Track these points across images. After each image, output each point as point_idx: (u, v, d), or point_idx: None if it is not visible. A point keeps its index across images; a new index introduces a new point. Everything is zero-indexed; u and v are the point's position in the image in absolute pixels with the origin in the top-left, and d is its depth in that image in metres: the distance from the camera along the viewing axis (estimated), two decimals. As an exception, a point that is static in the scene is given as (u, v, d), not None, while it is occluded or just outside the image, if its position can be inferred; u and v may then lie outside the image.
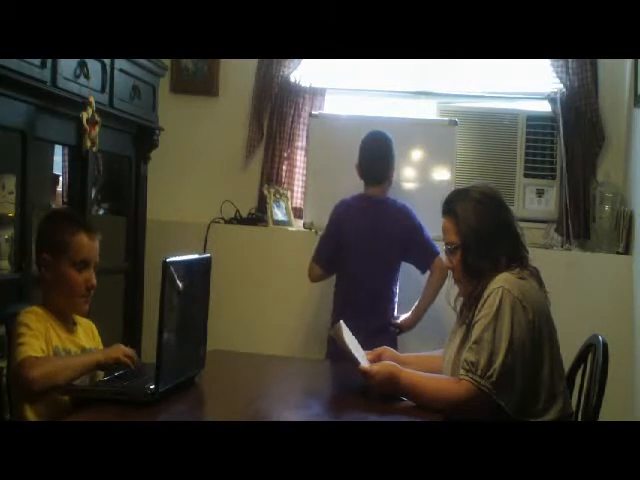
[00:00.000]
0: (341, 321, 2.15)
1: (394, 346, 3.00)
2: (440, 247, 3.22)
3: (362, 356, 2.13)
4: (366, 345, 2.25)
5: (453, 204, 2.08)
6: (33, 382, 1.82)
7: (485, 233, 2.02)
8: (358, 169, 3.32)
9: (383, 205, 3.28)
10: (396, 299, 3.29)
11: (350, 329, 2.18)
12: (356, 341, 2.19)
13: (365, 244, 3.23)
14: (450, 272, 2.15)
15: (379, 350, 2.27)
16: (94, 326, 2.25)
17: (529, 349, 1.91)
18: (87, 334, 2.19)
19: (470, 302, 2.03)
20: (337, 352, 3.03)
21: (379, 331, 3.13)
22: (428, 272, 3.25)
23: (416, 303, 3.26)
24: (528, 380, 1.92)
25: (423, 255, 3.24)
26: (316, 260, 3.32)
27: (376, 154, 3.28)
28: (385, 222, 3.24)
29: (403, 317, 3.27)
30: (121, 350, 2.04)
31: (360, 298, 3.19)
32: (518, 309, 1.91)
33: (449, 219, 2.08)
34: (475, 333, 1.93)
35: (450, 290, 2.16)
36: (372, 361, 2.17)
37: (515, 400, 1.89)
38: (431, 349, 2.40)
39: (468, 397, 1.88)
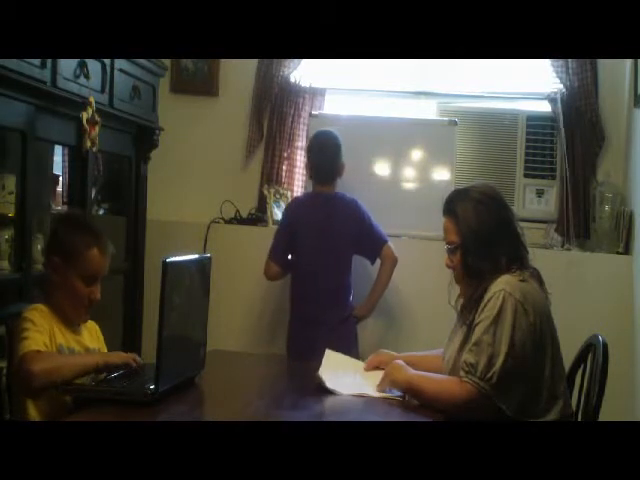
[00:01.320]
0: (319, 371, 2.16)
1: (355, 335, 3.28)
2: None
3: (360, 375, 2.21)
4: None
5: (453, 204, 2.08)
6: (33, 376, 1.83)
7: (485, 233, 2.02)
8: (307, 169, 3.45)
9: (333, 201, 3.36)
10: (351, 289, 3.35)
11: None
12: (346, 364, 2.28)
13: (318, 240, 3.31)
14: (450, 272, 2.15)
15: (377, 357, 2.30)
16: (98, 328, 2.25)
17: (530, 352, 1.91)
18: (92, 335, 2.20)
19: (471, 304, 2.03)
20: (298, 351, 3.15)
21: (340, 323, 3.25)
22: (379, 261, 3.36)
23: (369, 291, 3.35)
24: (529, 382, 1.92)
25: (372, 245, 3.34)
26: (272, 258, 3.37)
27: (327, 155, 3.35)
28: (336, 217, 3.32)
29: (359, 306, 3.35)
30: (122, 356, 2.04)
31: (318, 293, 3.28)
32: (520, 312, 1.91)
33: (449, 219, 2.08)
34: (475, 335, 1.93)
35: (451, 290, 2.16)
36: (373, 368, 2.25)
37: (515, 402, 1.89)
38: (430, 349, 2.40)
39: (468, 398, 1.88)
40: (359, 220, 3.32)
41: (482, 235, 2.02)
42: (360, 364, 2.35)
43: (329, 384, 2.07)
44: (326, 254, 3.30)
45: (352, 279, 3.36)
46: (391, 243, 3.33)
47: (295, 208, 3.43)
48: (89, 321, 2.21)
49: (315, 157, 3.38)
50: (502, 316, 1.91)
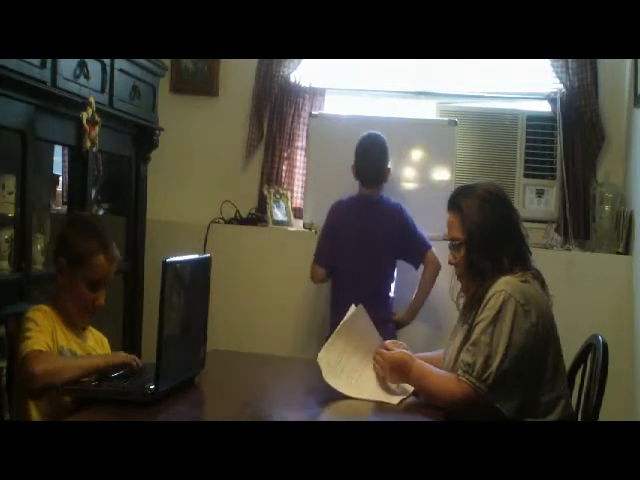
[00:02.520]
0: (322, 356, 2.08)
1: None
2: (438, 246, 3.25)
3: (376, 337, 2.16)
4: None
5: (459, 199, 2.08)
6: (35, 377, 1.83)
7: (489, 232, 2.02)
8: (354, 170, 3.38)
9: (377, 204, 3.34)
10: (392, 295, 3.33)
11: None
12: (370, 328, 2.19)
13: (360, 243, 3.28)
14: (448, 268, 2.15)
15: (387, 344, 2.22)
16: (106, 341, 2.25)
17: (530, 353, 1.91)
18: (97, 343, 2.20)
19: (472, 303, 2.03)
20: None
21: (378, 327, 3.15)
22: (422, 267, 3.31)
23: (412, 299, 3.32)
24: (528, 383, 1.92)
25: (415, 250, 3.31)
26: (318, 261, 3.36)
27: (372, 157, 3.35)
28: (379, 220, 3.30)
29: (402, 313, 3.32)
30: (122, 356, 2.04)
31: (357, 296, 3.19)
32: (520, 314, 1.91)
33: (454, 214, 2.08)
34: (475, 335, 1.93)
35: (453, 287, 2.16)
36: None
37: (513, 403, 1.89)
38: (432, 347, 2.40)
39: (463, 397, 1.89)
40: (402, 224, 3.29)
41: (486, 233, 2.02)
42: (374, 346, 2.19)
43: (330, 380, 2.03)
44: (367, 257, 3.26)
45: (394, 285, 3.33)
46: (435, 249, 3.29)
47: (337, 210, 3.39)
48: (98, 333, 2.22)
49: (359, 159, 3.36)
50: (501, 317, 1.91)
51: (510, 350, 1.88)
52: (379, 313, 3.16)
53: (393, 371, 2.05)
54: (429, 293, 3.29)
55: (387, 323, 3.23)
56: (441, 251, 2.20)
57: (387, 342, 2.20)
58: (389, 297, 3.31)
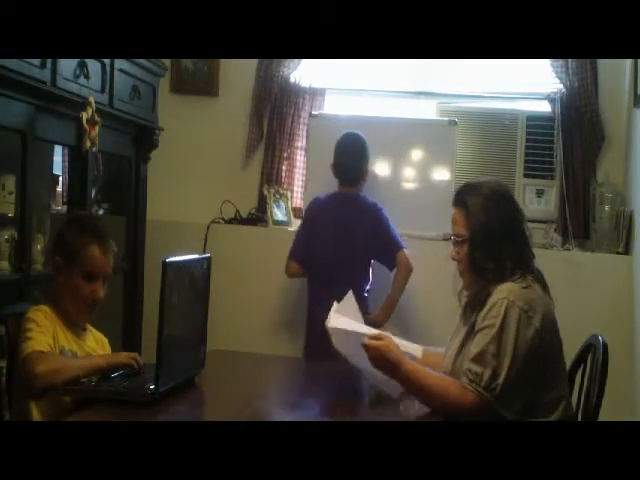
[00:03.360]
0: (332, 310, 2.07)
1: None
2: (438, 246, 3.26)
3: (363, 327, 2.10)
4: None
5: (464, 196, 2.07)
6: (36, 377, 1.83)
7: (492, 231, 2.01)
8: (333, 169, 3.41)
9: (354, 202, 3.36)
10: (367, 295, 3.34)
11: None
12: (358, 319, 2.18)
13: (337, 241, 3.30)
14: (453, 267, 2.14)
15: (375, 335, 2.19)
16: (107, 342, 2.25)
17: (534, 358, 1.90)
18: (97, 344, 2.20)
19: (473, 304, 2.02)
20: (315, 353, 3.07)
21: None
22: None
23: (386, 298, 3.33)
24: (532, 386, 1.91)
25: (387, 251, 3.32)
26: (293, 256, 3.40)
27: (351, 156, 3.37)
28: (353, 218, 3.32)
29: (375, 313, 3.32)
30: (123, 355, 2.04)
31: (333, 293, 3.20)
32: (523, 322, 1.90)
33: (459, 211, 2.07)
34: (479, 344, 1.91)
35: (458, 285, 2.15)
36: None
37: (517, 409, 1.88)
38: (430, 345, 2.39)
39: (471, 407, 1.87)
40: (376, 223, 3.31)
41: (489, 232, 2.01)
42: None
43: (345, 323, 2.00)
44: (342, 254, 3.29)
45: (368, 287, 3.34)
46: (407, 250, 3.30)
47: (314, 207, 3.43)
48: (99, 333, 2.22)
49: (339, 158, 3.39)
50: (506, 326, 1.89)
51: (516, 359, 1.88)
52: None
53: (376, 364, 1.97)
54: (402, 293, 3.31)
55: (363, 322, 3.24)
56: (438, 251, 2.19)
57: (374, 333, 2.11)
58: (365, 296, 3.32)
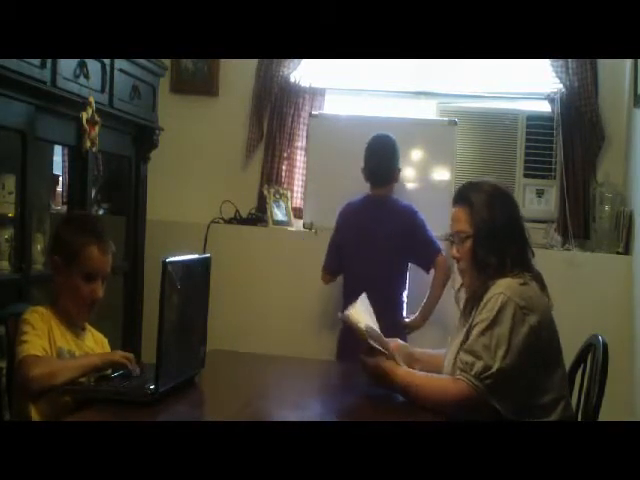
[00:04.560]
0: (358, 302, 2.11)
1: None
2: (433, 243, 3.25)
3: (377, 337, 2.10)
4: None
5: (468, 193, 2.07)
6: (31, 381, 1.83)
7: (497, 227, 2.01)
8: (364, 172, 3.35)
9: (387, 205, 3.31)
10: (404, 299, 3.30)
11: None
12: (374, 322, 2.16)
13: (368, 246, 3.25)
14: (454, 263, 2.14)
15: (391, 344, 2.20)
16: (106, 342, 2.25)
17: (530, 356, 1.90)
18: (97, 344, 2.19)
19: (472, 304, 2.03)
20: (347, 353, 3.05)
21: (389, 331, 3.12)
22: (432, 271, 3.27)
23: (423, 303, 3.28)
24: (528, 385, 1.91)
25: (425, 253, 3.26)
26: (326, 269, 3.37)
27: (382, 157, 3.32)
28: (388, 222, 3.26)
29: (412, 317, 3.29)
30: (118, 354, 2.04)
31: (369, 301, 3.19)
32: (519, 316, 1.90)
33: (462, 208, 2.07)
34: (473, 336, 1.93)
35: (457, 287, 2.15)
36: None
37: (511, 404, 1.88)
38: (433, 347, 2.40)
39: (463, 397, 1.88)
40: (411, 224, 3.26)
41: (494, 228, 2.01)
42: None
43: (361, 318, 2.02)
44: (376, 260, 3.23)
45: (405, 290, 3.31)
46: (445, 253, 3.22)
47: (346, 212, 3.38)
48: (99, 334, 2.22)
49: (368, 160, 3.34)
50: (500, 320, 1.90)
51: (510, 353, 1.88)
52: (390, 317, 3.10)
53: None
54: (440, 297, 3.23)
55: (398, 327, 3.19)
56: (443, 250, 2.19)
57: (388, 340, 2.16)
58: (401, 301, 3.28)
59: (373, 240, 3.24)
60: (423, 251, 3.27)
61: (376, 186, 3.33)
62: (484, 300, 1.95)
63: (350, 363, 2.16)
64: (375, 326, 2.10)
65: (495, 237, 2.01)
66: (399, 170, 3.36)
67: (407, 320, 3.28)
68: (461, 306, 2.13)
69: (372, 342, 2.01)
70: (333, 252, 3.35)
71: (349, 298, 3.24)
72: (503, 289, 1.94)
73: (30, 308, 2.04)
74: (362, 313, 2.11)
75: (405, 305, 3.31)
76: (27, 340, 1.91)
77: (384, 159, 3.32)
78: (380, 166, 3.32)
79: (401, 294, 3.29)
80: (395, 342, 2.25)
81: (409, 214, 3.28)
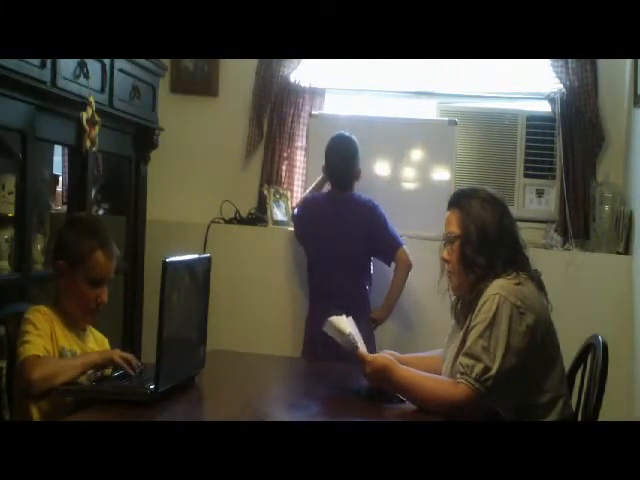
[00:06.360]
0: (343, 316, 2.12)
1: (372, 339, 3.15)
2: (438, 247, 3.25)
3: (362, 345, 2.10)
4: None
5: (460, 198, 2.10)
6: (32, 383, 1.83)
7: (486, 228, 2.02)
8: (325, 172, 3.42)
9: (348, 201, 3.36)
10: (368, 294, 3.35)
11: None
12: (357, 331, 2.18)
13: (330, 240, 3.31)
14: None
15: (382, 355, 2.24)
16: (107, 342, 2.26)
17: (527, 355, 1.90)
18: (98, 344, 2.20)
19: (467, 307, 2.03)
20: (314, 352, 3.08)
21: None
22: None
23: (386, 296, 3.34)
24: (527, 385, 1.92)
25: (387, 247, 3.32)
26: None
27: (342, 159, 3.36)
28: (349, 218, 3.32)
29: (376, 311, 3.34)
30: (117, 353, 2.04)
31: (331, 294, 3.25)
32: (515, 316, 1.90)
33: (454, 211, 2.09)
34: (471, 339, 1.92)
35: (449, 287, 2.15)
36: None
37: (512, 405, 1.89)
38: (403, 346, 2.39)
39: (464, 400, 1.87)
40: (373, 221, 3.31)
41: (484, 230, 2.02)
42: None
43: (346, 327, 2.03)
44: (338, 254, 3.29)
45: (370, 285, 3.36)
46: (406, 247, 3.32)
47: (310, 204, 3.45)
48: (100, 334, 2.22)
49: (331, 162, 3.39)
50: (497, 320, 1.90)
51: (508, 354, 1.88)
52: (356, 311, 3.18)
53: (374, 375, 2.01)
54: (402, 290, 3.33)
55: (364, 320, 3.20)
56: (438, 251, 2.18)
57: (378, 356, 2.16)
58: (365, 294, 3.33)
59: (337, 235, 3.30)
60: (384, 245, 3.33)
61: (338, 188, 3.39)
62: (480, 302, 1.95)
63: (350, 363, 2.15)
64: (360, 341, 2.11)
65: (483, 238, 2.02)
66: (359, 171, 3.40)
67: (372, 314, 3.33)
68: (454, 310, 2.13)
69: (359, 345, 2.02)
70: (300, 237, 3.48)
71: (313, 292, 3.37)
72: (498, 289, 1.94)
73: (32, 307, 2.04)
74: (347, 323, 2.11)
75: (369, 299, 3.35)
76: (29, 340, 1.91)
77: (345, 162, 3.37)
78: (342, 170, 3.37)
79: (364, 286, 3.33)
80: (385, 353, 2.26)
81: (369, 208, 3.33)
